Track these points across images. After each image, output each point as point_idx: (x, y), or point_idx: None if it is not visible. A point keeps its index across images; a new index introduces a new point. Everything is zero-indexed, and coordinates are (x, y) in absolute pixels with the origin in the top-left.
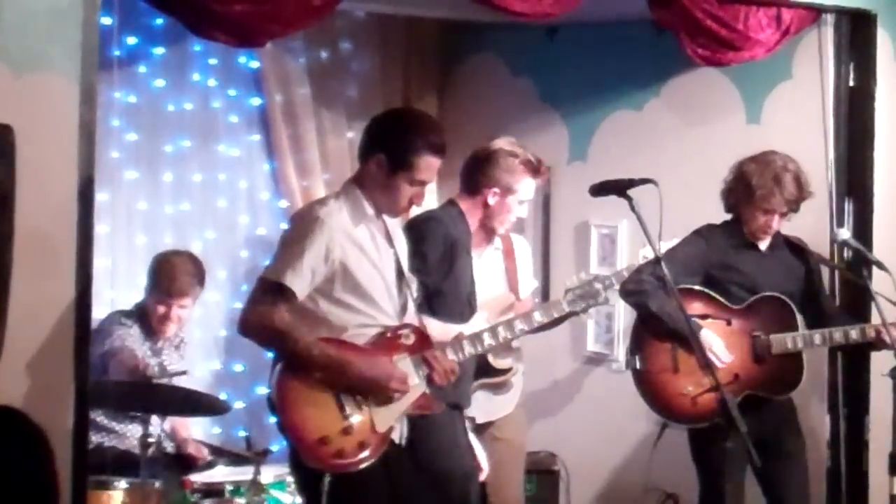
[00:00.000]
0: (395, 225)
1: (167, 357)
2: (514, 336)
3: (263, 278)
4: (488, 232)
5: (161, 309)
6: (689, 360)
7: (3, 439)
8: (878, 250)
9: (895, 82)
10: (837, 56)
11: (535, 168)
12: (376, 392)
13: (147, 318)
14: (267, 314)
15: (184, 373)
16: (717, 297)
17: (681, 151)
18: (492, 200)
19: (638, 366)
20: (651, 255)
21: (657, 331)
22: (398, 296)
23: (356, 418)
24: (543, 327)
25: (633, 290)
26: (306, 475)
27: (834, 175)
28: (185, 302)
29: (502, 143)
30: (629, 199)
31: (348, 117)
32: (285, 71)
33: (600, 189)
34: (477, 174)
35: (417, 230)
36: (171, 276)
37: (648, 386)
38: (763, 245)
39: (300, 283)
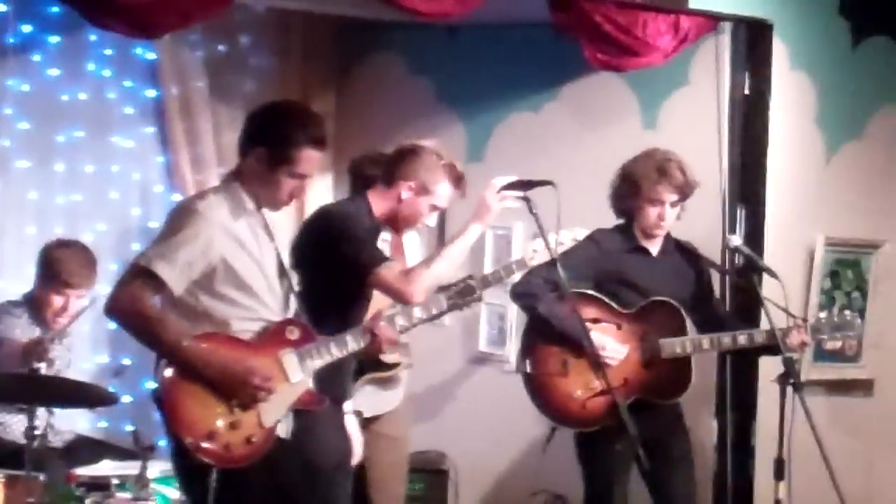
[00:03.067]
0: (276, 218)
1: (53, 349)
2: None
3: (135, 263)
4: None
5: (58, 300)
6: (578, 364)
7: None
8: (769, 257)
9: (790, 91)
10: (734, 64)
11: (456, 176)
12: (238, 388)
13: (39, 309)
14: (136, 297)
15: (92, 303)
16: (608, 301)
17: (577, 155)
18: (405, 195)
19: (528, 369)
20: (540, 249)
21: (547, 334)
22: (280, 290)
23: (243, 413)
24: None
25: (522, 292)
26: (192, 472)
27: (727, 181)
28: (82, 292)
29: (430, 143)
30: (527, 200)
31: (245, 112)
32: (182, 63)
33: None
34: (397, 166)
35: (337, 225)
36: (68, 266)
37: (538, 389)
38: (654, 249)
39: (173, 274)
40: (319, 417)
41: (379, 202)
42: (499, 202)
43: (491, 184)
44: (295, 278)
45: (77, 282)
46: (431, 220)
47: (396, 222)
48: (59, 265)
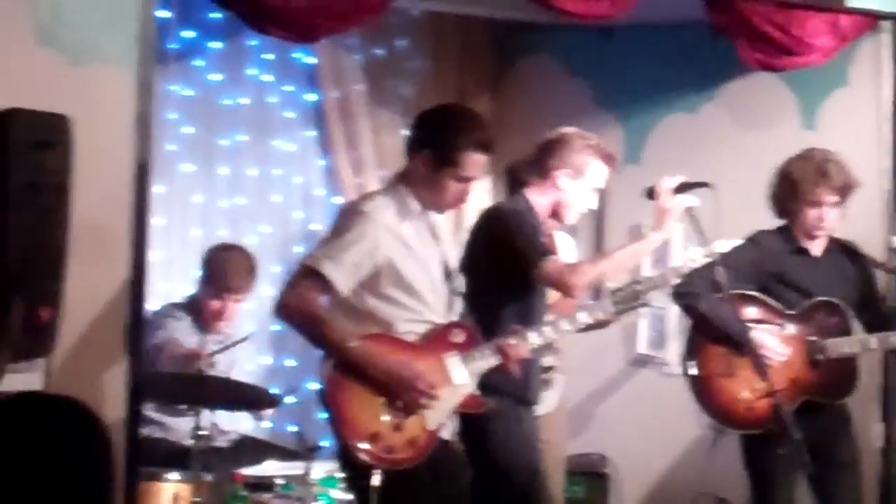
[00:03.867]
0: (442, 221)
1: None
2: (560, 333)
3: (303, 264)
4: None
5: (216, 304)
6: (744, 366)
7: (63, 429)
8: None
9: None
10: (894, 63)
11: (606, 154)
12: (403, 392)
13: (199, 312)
14: (305, 298)
15: (246, 338)
16: (771, 302)
17: (735, 156)
18: (562, 182)
19: (693, 371)
20: (697, 257)
21: (711, 335)
22: (445, 292)
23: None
24: (590, 328)
25: (684, 292)
26: (356, 471)
27: (890, 182)
28: (241, 297)
29: (571, 129)
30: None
31: (403, 115)
32: (341, 67)
33: (652, 193)
34: (547, 157)
35: (503, 224)
36: (228, 271)
37: (703, 390)
38: (816, 250)
39: (341, 275)
40: (504, 420)
41: (538, 197)
42: (677, 205)
43: (662, 189)
44: (461, 280)
45: (235, 286)
46: (593, 200)
47: (560, 213)
48: (218, 269)
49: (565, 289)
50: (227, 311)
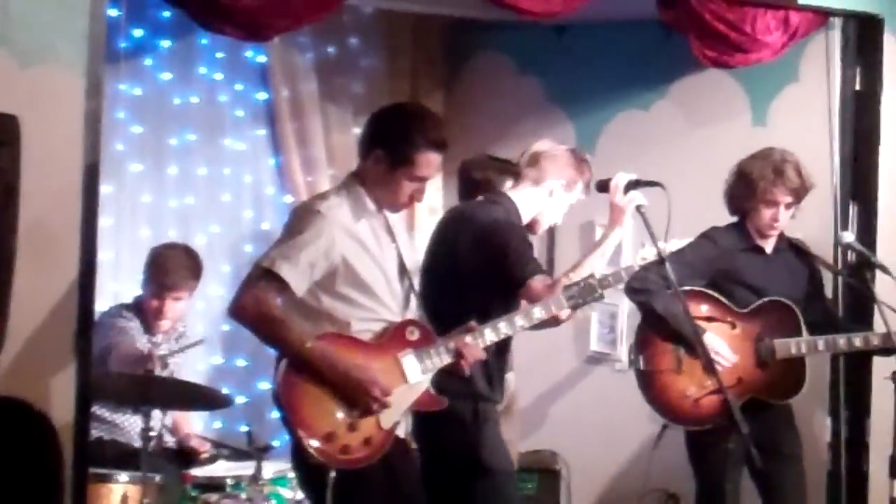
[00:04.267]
0: (397, 220)
1: (166, 348)
2: (514, 330)
3: (258, 265)
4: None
5: (154, 303)
6: (692, 362)
7: (10, 431)
8: (882, 254)
9: None
10: (844, 59)
11: (588, 178)
12: (358, 396)
13: (145, 312)
14: (261, 299)
15: (200, 342)
16: (723, 300)
17: (687, 152)
18: (556, 194)
19: (641, 366)
20: (650, 256)
21: (661, 331)
22: (400, 290)
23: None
24: (544, 323)
25: (638, 288)
26: (310, 471)
27: (839, 178)
28: (180, 294)
29: (566, 147)
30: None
31: (354, 113)
32: (292, 66)
33: (603, 186)
34: (546, 165)
35: (504, 236)
36: (165, 268)
37: (651, 387)
38: (768, 248)
39: (296, 275)
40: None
41: (525, 204)
42: (629, 202)
43: (615, 186)
44: (416, 278)
45: (173, 283)
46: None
47: (537, 223)
48: (158, 267)
49: None
50: (167, 309)
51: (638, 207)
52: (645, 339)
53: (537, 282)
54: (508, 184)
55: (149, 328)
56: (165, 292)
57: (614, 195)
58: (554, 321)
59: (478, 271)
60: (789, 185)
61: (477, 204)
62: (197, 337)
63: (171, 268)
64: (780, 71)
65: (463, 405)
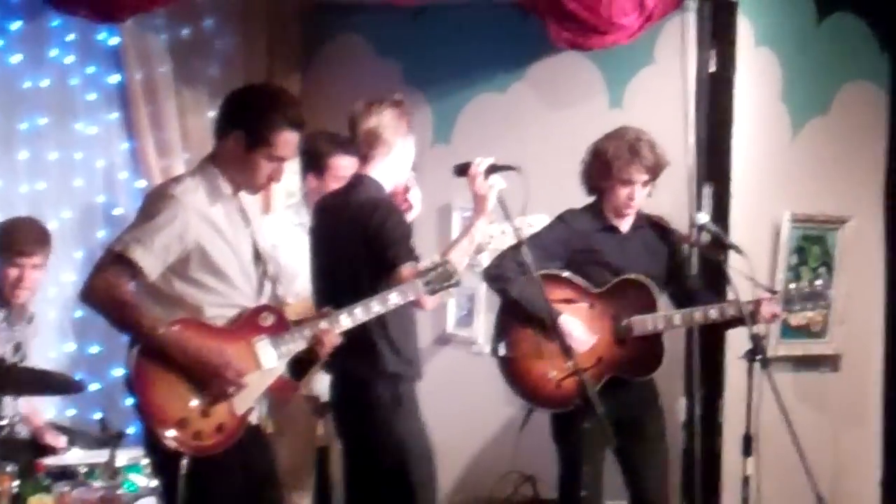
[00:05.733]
0: (252, 202)
1: (20, 333)
2: (370, 315)
3: (110, 249)
4: None
5: (13, 272)
6: (552, 346)
7: None
8: (736, 234)
9: (755, 68)
10: (699, 42)
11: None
12: (211, 379)
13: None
14: (112, 283)
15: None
16: (580, 281)
17: (544, 134)
18: (403, 150)
19: (502, 352)
20: (496, 234)
21: (520, 316)
22: (255, 275)
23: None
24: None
25: (495, 274)
26: (163, 457)
27: (694, 159)
28: (37, 261)
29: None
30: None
31: (210, 96)
32: (146, 48)
33: (462, 170)
34: (392, 128)
35: (389, 219)
36: (17, 236)
37: (513, 371)
38: (625, 226)
39: (149, 259)
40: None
41: (386, 175)
42: (490, 189)
43: (474, 172)
44: (271, 263)
45: (30, 249)
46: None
47: (400, 185)
48: (10, 236)
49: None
50: (26, 278)
51: (499, 195)
52: (505, 325)
53: (407, 269)
54: (345, 161)
55: (3, 305)
56: (23, 258)
57: (475, 181)
58: (418, 306)
59: (355, 252)
60: (644, 163)
61: (346, 188)
62: (46, 322)
63: (23, 235)
64: (635, 53)
65: (381, 388)
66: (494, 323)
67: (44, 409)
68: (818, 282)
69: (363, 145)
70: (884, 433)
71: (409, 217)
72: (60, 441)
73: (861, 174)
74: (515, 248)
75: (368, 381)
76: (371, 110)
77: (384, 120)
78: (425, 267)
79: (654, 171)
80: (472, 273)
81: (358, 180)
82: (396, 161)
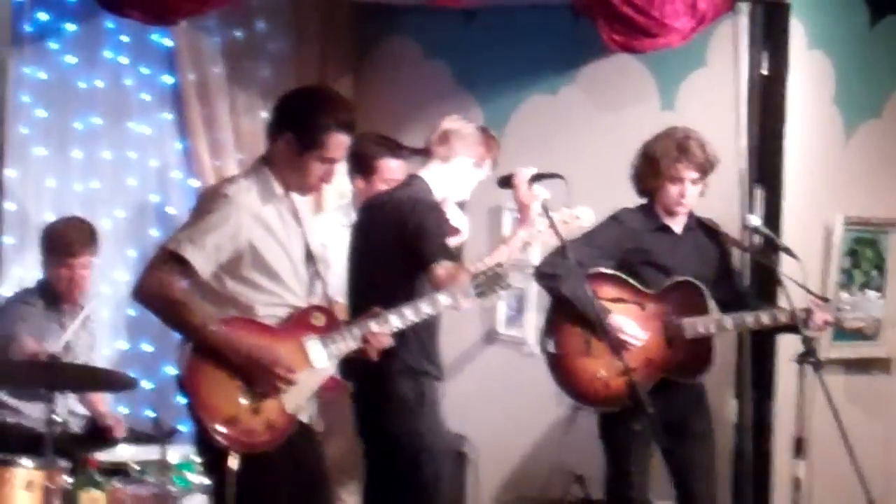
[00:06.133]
0: (303, 203)
1: (71, 331)
2: (420, 316)
3: (164, 247)
4: None
5: (64, 272)
6: (602, 345)
7: None
8: (788, 237)
9: (807, 71)
10: (751, 44)
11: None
12: (262, 376)
13: (51, 291)
14: (165, 281)
15: (87, 315)
16: (632, 281)
17: (595, 137)
18: (465, 169)
19: (551, 349)
20: (545, 231)
21: (571, 314)
22: (306, 275)
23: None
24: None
25: (547, 273)
26: (214, 455)
27: (746, 162)
28: (85, 261)
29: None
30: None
31: (262, 97)
32: (199, 49)
33: (505, 181)
34: (453, 142)
35: (427, 217)
36: (65, 239)
37: (562, 369)
38: (677, 227)
39: (202, 258)
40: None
41: (437, 180)
42: (534, 198)
43: (518, 182)
44: (322, 264)
45: (78, 249)
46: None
47: (446, 200)
48: (57, 237)
49: None
50: (78, 278)
51: (543, 203)
52: (555, 323)
53: (440, 267)
54: (394, 164)
55: (57, 306)
56: (73, 259)
57: (519, 192)
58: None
59: (392, 247)
60: (694, 161)
61: (393, 189)
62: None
63: (72, 236)
64: (687, 56)
65: (405, 384)
66: (545, 320)
67: (107, 400)
68: (869, 291)
69: (431, 142)
70: None
71: (455, 241)
72: (120, 427)
73: None
74: (565, 247)
75: (392, 376)
76: (457, 119)
77: (463, 130)
78: (476, 269)
79: (704, 168)
80: (521, 273)
81: (410, 180)
82: (453, 174)
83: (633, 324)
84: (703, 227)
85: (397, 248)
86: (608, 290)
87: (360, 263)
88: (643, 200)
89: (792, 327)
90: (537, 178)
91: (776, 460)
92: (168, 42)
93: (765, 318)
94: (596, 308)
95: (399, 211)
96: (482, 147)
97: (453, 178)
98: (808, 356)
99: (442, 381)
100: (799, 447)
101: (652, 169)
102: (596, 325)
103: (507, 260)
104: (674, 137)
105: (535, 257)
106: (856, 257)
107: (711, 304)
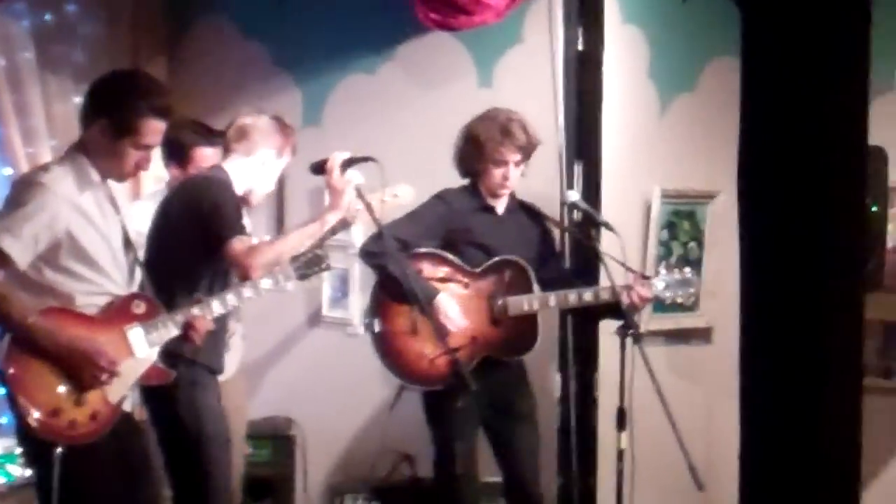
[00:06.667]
0: (120, 190)
1: None
2: (242, 301)
3: None
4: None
5: None
6: (427, 323)
7: None
8: (607, 211)
9: (622, 46)
10: (566, 20)
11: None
12: (83, 368)
13: None
14: None
15: None
16: (456, 260)
17: (414, 115)
18: (266, 161)
19: (377, 328)
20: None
21: (396, 293)
22: (125, 263)
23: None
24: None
25: (372, 251)
26: (36, 447)
27: (563, 138)
28: None
29: (271, 115)
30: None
31: (75, 82)
32: (8, 34)
33: (318, 168)
34: (252, 135)
35: (215, 194)
36: None
37: (387, 348)
38: (500, 208)
39: (19, 248)
40: (211, 389)
41: (240, 173)
42: (347, 183)
43: (330, 167)
44: (140, 250)
45: None
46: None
47: (252, 192)
48: None
49: (243, 269)
50: None
51: (357, 188)
52: (380, 302)
53: (237, 242)
54: (208, 152)
55: None
56: None
57: (331, 177)
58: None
59: (187, 228)
60: (517, 143)
61: (194, 174)
62: None
63: None
64: (504, 33)
65: (181, 370)
66: (370, 299)
67: None
68: (687, 269)
69: (230, 139)
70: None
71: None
72: None
73: (729, 149)
74: (394, 226)
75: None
76: (252, 113)
77: (259, 123)
78: (297, 252)
79: (527, 150)
80: (344, 254)
81: (210, 170)
82: (254, 167)
83: (455, 307)
84: (523, 208)
85: (194, 227)
86: (434, 269)
87: (159, 242)
88: (465, 180)
89: (614, 311)
90: (349, 162)
91: (600, 432)
92: None
93: (587, 295)
94: (421, 287)
95: (196, 189)
96: (280, 136)
97: (257, 171)
98: (628, 329)
99: (218, 373)
100: (622, 419)
101: (476, 151)
102: (421, 306)
103: (315, 237)
104: (497, 120)
105: (358, 238)
106: (674, 230)
107: (535, 281)
